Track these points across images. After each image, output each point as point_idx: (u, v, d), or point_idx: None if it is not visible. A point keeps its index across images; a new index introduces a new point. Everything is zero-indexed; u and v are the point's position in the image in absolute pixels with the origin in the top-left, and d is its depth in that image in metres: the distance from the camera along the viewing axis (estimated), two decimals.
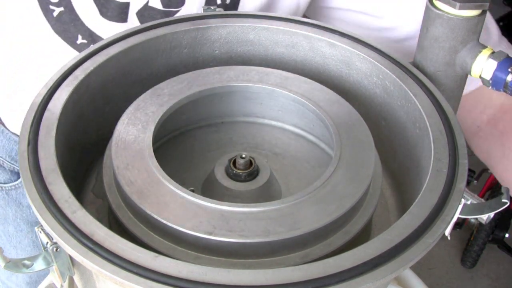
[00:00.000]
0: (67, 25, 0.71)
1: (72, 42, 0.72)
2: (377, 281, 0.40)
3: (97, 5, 0.70)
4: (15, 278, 1.01)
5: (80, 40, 0.72)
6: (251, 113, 0.67)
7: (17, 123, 0.83)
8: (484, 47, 0.59)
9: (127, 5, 0.70)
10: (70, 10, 0.70)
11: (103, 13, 0.71)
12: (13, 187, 0.89)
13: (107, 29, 0.72)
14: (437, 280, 1.97)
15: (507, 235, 1.90)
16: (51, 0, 0.69)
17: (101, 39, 0.70)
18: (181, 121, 0.64)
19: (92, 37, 0.73)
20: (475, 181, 1.96)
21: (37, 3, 0.70)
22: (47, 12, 0.70)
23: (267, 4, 0.75)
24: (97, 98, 0.60)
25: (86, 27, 0.72)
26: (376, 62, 0.62)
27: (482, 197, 1.92)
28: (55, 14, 0.70)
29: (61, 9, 0.69)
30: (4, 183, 0.89)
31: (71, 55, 0.64)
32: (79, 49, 0.73)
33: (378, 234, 0.43)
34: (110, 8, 0.70)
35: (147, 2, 0.71)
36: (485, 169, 2.02)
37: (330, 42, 0.65)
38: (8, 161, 0.87)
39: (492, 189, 1.99)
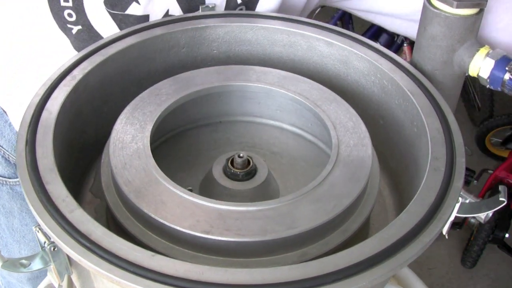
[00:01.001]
0: (87, 42, 0.70)
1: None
2: (374, 280, 0.40)
3: (115, 21, 0.69)
4: (16, 274, 1.00)
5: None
6: (249, 113, 0.67)
7: (18, 121, 0.83)
8: (482, 45, 0.59)
9: (146, 17, 0.70)
10: (88, 28, 0.70)
11: (122, 28, 0.70)
12: (17, 183, 0.89)
13: None
14: (437, 280, 1.97)
15: (507, 235, 1.90)
16: (68, 19, 0.69)
17: None
18: (179, 120, 0.64)
19: None
20: (475, 181, 1.96)
21: (54, 22, 0.69)
22: (65, 30, 0.70)
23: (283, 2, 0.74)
24: (95, 97, 0.60)
25: None
26: (373, 61, 0.62)
27: (482, 197, 1.91)
28: (73, 31, 0.70)
29: (79, 27, 0.69)
30: (9, 178, 0.88)
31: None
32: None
33: (376, 233, 0.43)
34: (129, 23, 0.70)
35: (167, 12, 0.70)
36: (485, 169, 2.02)
37: (328, 41, 0.65)
38: (13, 155, 0.87)
39: (492, 189, 1.99)
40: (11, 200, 0.90)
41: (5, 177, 0.88)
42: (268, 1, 0.72)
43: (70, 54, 0.70)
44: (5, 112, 0.85)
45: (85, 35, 0.70)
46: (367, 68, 0.63)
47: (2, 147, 0.86)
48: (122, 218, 0.49)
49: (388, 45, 2.40)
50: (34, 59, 0.75)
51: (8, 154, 0.87)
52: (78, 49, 0.71)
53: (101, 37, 0.71)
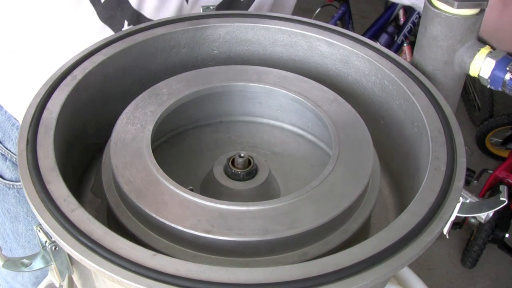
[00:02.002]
0: (114, 11, 0.69)
1: (118, 30, 0.71)
2: (376, 279, 0.40)
3: None
4: (20, 278, 1.00)
5: (125, 27, 0.71)
6: (250, 113, 0.67)
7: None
8: (482, 45, 0.59)
9: None
10: None
11: None
12: None
13: (152, 6, 0.71)
14: (437, 280, 1.97)
15: (507, 235, 1.90)
16: None
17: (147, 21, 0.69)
18: (180, 120, 0.65)
19: (138, 19, 0.71)
20: (475, 181, 1.96)
21: None
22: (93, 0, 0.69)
23: None
24: (96, 97, 0.60)
25: (134, 9, 0.70)
26: (374, 61, 0.62)
27: (482, 197, 1.91)
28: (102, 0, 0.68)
29: None
30: (17, 181, 0.88)
31: None
32: None
33: (377, 233, 0.43)
34: None
35: None
36: (485, 169, 2.02)
37: (329, 42, 0.65)
38: None
39: (492, 189, 1.99)
40: (17, 204, 0.90)
41: (12, 181, 0.88)
42: None
43: (97, 28, 0.68)
44: (12, 116, 0.85)
45: (113, 2, 0.69)
46: (367, 68, 0.63)
47: (9, 150, 0.86)
48: (123, 218, 0.49)
49: (388, 45, 2.41)
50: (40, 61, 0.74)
51: (15, 158, 0.87)
52: (104, 20, 0.70)
53: (128, 4, 0.70)
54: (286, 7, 0.84)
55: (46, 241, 0.46)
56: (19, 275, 0.99)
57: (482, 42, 0.61)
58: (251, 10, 0.77)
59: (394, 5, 2.49)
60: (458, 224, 1.85)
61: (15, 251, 0.96)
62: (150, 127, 0.54)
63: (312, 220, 0.46)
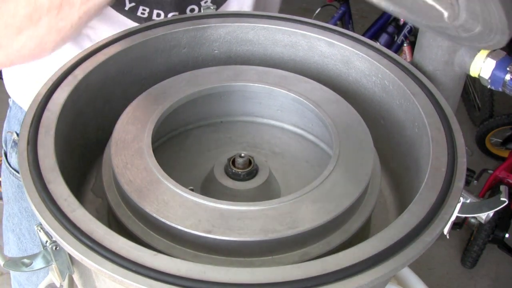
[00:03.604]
0: None
1: (120, 9, 0.70)
2: (375, 279, 0.40)
3: None
4: (35, 279, 0.98)
5: (128, 5, 0.70)
6: (250, 113, 0.67)
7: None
8: None
9: None
10: None
11: None
12: None
13: None
14: (437, 280, 1.97)
15: (507, 235, 1.90)
16: None
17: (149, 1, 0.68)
18: (180, 120, 0.65)
19: None
20: (475, 181, 1.96)
21: None
22: None
23: None
24: (96, 97, 0.60)
25: None
26: (375, 62, 0.62)
27: (482, 197, 1.91)
28: None
29: None
30: None
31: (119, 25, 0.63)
32: (128, 16, 0.71)
33: (377, 233, 0.43)
34: None
35: None
36: (485, 169, 2.02)
37: (329, 42, 0.65)
38: None
39: (492, 189, 1.99)
40: None
41: None
42: None
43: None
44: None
45: None
46: (368, 68, 0.63)
47: None
48: (123, 218, 0.49)
49: (388, 45, 2.40)
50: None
51: None
52: None
53: None
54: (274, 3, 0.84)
55: (46, 241, 0.46)
56: (33, 276, 0.98)
57: None
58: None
59: None
60: (458, 224, 1.85)
61: (30, 250, 0.94)
62: (150, 127, 0.54)
63: (312, 220, 0.46)
